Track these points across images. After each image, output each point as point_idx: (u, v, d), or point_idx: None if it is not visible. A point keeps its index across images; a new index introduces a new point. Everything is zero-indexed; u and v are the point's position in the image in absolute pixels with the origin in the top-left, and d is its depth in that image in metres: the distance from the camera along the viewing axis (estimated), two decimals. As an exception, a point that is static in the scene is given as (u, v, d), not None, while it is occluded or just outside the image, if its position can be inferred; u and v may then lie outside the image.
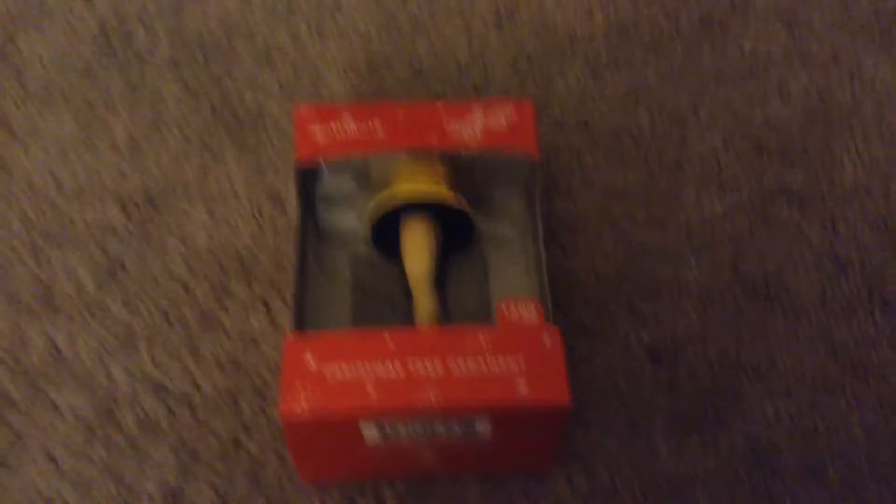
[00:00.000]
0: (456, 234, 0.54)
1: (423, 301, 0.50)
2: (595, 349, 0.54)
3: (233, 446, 0.50)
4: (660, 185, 0.61)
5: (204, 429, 0.51)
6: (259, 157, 0.61)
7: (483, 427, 0.44)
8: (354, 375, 0.42)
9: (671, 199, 0.61)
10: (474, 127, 0.51)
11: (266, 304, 0.55)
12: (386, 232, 0.53)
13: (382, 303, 0.53)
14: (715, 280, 0.57)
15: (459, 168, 0.53)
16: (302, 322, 0.49)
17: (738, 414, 0.53)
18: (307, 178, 0.53)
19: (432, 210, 0.52)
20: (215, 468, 0.50)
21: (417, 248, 0.51)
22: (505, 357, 0.43)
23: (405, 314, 0.52)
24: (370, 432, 0.44)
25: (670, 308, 0.56)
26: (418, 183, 0.52)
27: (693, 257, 0.58)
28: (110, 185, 0.60)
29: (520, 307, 0.45)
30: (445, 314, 0.52)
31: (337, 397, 0.42)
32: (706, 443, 0.52)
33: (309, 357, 0.43)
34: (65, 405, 0.52)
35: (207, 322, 0.54)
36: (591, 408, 0.52)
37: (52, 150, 0.61)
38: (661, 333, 0.55)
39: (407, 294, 0.53)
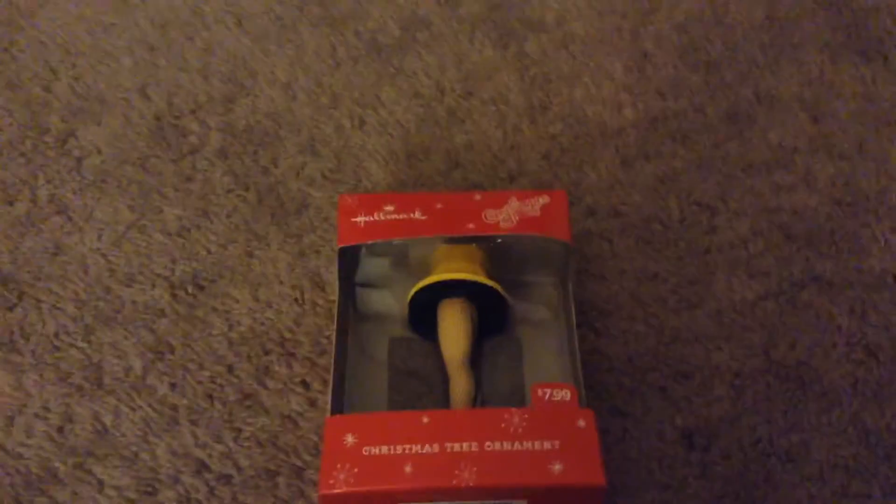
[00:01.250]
0: (491, 316, 0.55)
1: (460, 382, 0.51)
2: (628, 432, 0.55)
3: (271, 525, 0.51)
4: (690, 271, 0.63)
5: (243, 507, 0.52)
6: (301, 242, 0.64)
7: (518, 508, 0.44)
8: (392, 455, 0.43)
9: (702, 284, 0.62)
10: (510, 214, 0.53)
11: (305, 385, 0.57)
12: (423, 314, 0.55)
13: (419, 383, 0.55)
14: (747, 365, 0.58)
15: (495, 254, 0.55)
16: (340, 402, 0.50)
17: (771, 499, 0.53)
18: (348, 262, 0.55)
19: (469, 293, 0.54)
20: (253, 547, 0.51)
21: (454, 329, 0.53)
22: (540, 439, 0.44)
23: (441, 395, 0.54)
24: (407, 512, 0.44)
25: (703, 392, 0.57)
26: (455, 266, 0.54)
27: (724, 342, 0.59)
28: (160, 270, 0.63)
29: (554, 391, 0.46)
30: (481, 395, 0.53)
31: (375, 477, 0.43)
32: (742, 529, 0.52)
33: (349, 437, 0.44)
34: (108, 482, 0.53)
35: (249, 402, 0.56)
36: (624, 491, 0.53)
37: (107, 235, 0.65)
38: (695, 417, 0.56)
39: (443, 375, 0.54)
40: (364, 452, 0.44)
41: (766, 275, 0.63)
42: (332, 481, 0.43)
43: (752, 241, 0.65)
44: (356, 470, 0.43)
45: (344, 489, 0.43)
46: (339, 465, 0.43)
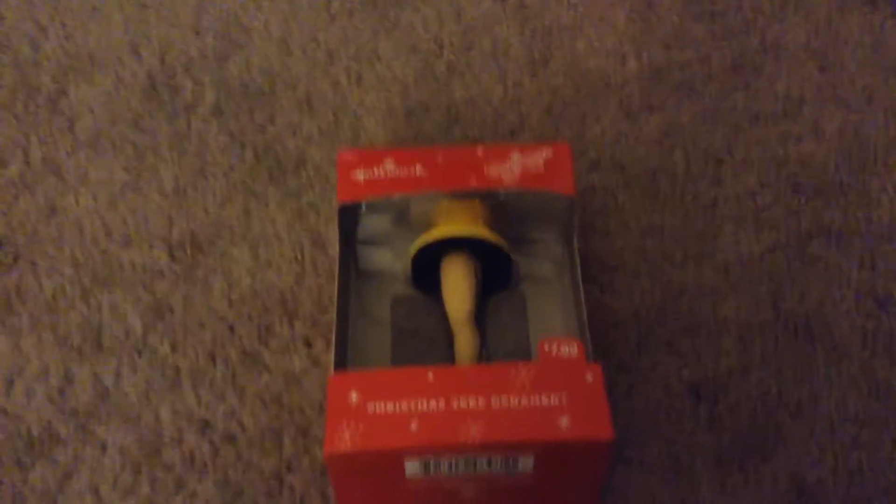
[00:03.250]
0: (495, 273, 0.55)
1: (464, 340, 0.50)
2: (635, 387, 0.55)
3: (276, 483, 0.51)
4: (696, 224, 0.62)
5: (248, 466, 0.52)
6: (300, 201, 0.63)
7: (526, 464, 0.44)
8: (398, 412, 0.43)
9: (708, 238, 0.61)
10: (512, 169, 0.52)
11: (308, 343, 0.56)
12: (426, 271, 0.54)
13: (422, 341, 0.54)
14: (755, 318, 0.57)
15: (498, 209, 0.54)
16: (343, 360, 0.50)
17: (781, 451, 0.52)
18: (348, 219, 0.54)
19: (472, 249, 0.53)
20: (259, 506, 0.50)
21: (458, 286, 0.52)
22: (547, 394, 0.43)
23: (445, 353, 0.53)
24: (413, 469, 0.44)
25: (710, 346, 0.56)
26: (458, 222, 0.53)
27: (732, 295, 0.58)
28: (157, 230, 0.62)
29: (561, 345, 0.45)
30: (485, 352, 0.53)
31: (381, 434, 0.42)
32: (749, 480, 0.51)
33: (353, 395, 0.43)
34: (112, 443, 0.53)
35: (251, 361, 0.55)
36: (632, 446, 0.52)
37: (102, 196, 0.64)
38: (702, 371, 0.55)
39: (447, 333, 0.53)
40: (369, 410, 0.43)
41: (774, 227, 0.62)
42: (337, 440, 0.42)
43: (759, 193, 0.64)
44: (362, 428, 0.42)
45: (350, 448, 0.42)
46: (344, 424, 0.43)
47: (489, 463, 0.44)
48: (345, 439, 0.42)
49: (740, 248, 0.61)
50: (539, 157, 0.53)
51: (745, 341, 0.57)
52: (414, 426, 0.42)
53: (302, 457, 0.52)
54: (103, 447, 0.52)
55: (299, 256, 0.60)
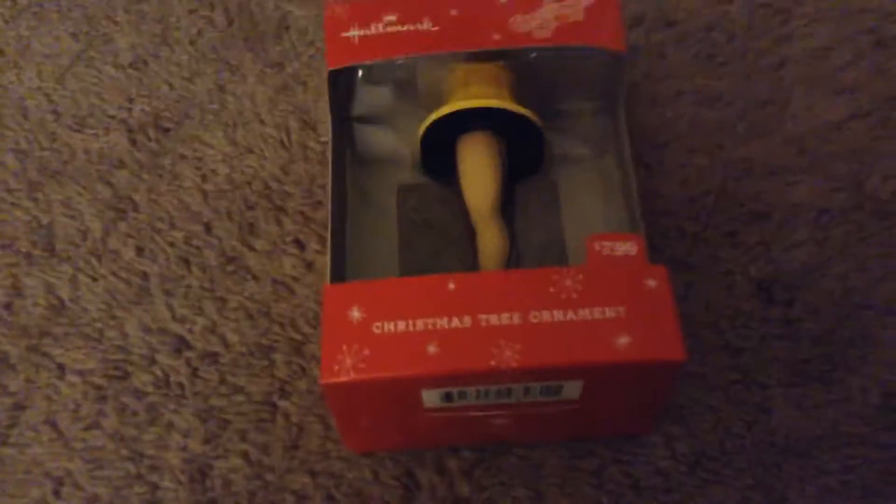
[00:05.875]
0: (523, 154, 0.45)
1: (490, 237, 0.41)
2: (693, 288, 0.46)
3: (268, 410, 0.43)
4: (762, 89, 0.51)
5: (233, 391, 0.43)
6: (283, 72, 0.52)
7: (573, 391, 0.35)
8: (412, 333, 0.34)
9: (776, 105, 0.51)
10: (546, 21, 0.42)
11: (299, 244, 0.47)
12: (439, 153, 0.44)
13: (436, 237, 0.45)
14: (834, 201, 0.48)
15: (527, 73, 0.44)
16: (342, 266, 0.41)
17: (869, 358, 0.44)
18: (342, 93, 0.44)
19: (496, 125, 0.43)
20: (248, 436, 0.42)
21: (480, 171, 0.42)
22: (600, 305, 0.34)
23: (465, 249, 0.44)
24: (432, 399, 0.35)
25: (782, 235, 0.47)
26: (477, 91, 0.42)
27: (806, 174, 0.49)
28: (115, 111, 0.51)
29: (616, 243, 0.36)
30: (515, 252, 0.43)
31: (392, 360, 0.34)
32: (832, 394, 0.43)
33: (355, 311, 0.34)
34: (70, 366, 0.44)
35: (233, 267, 0.46)
36: (690, 358, 0.44)
37: (48, 71, 0.53)
38: (773, 266, 0.46)
39: (466, 225, 0.44)
40: (375, 330, 0.34)
41: (854, 90, 0.51)
42: (336, 367, 0.33)
43: (835, 49, 0.53)
44: (366, 352, 0.34)
45: (353, 376, 0.33)
46: (344, 347, 0.34)
47: (526, 391, 0.35)
48: (346, 367, 0.34)
49: (814, 117, 0.50)
50: (579, 6, 0.42)
51: (822, 228, 0.47)
52: (432, 349, 0.34)
53: (297, 379, 0.44)
54: (60, 371, 0.44)
55: (285, 139, 0.50)
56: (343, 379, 0.33)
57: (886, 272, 0.46)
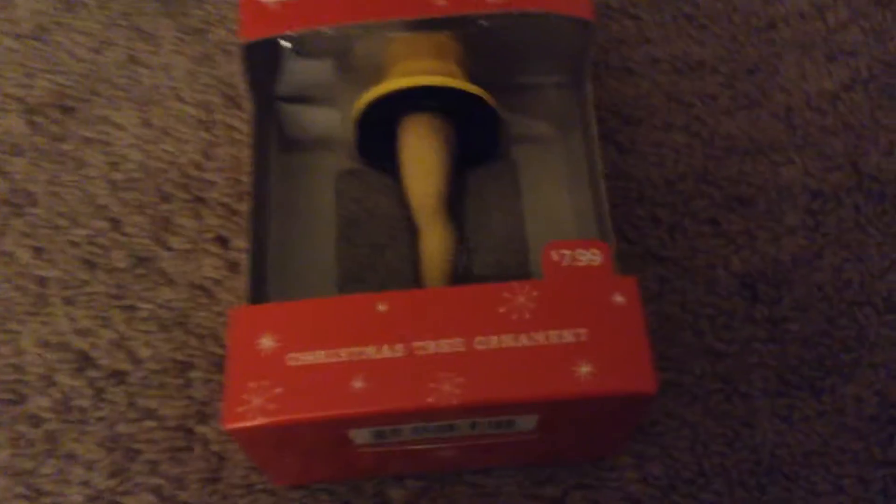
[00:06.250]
0: (475, 137, 0.39)
1: (433, 239, 0.35)
2: (669, 284, 0.40)
3: (183, 437, 0.37)
4: (748, 54, 0.46)
5: (144, 415, 0.38)
6: (205, 39, 0.46)
7: (527, 424, 0.30)
8: (334, 364, 0.28)
9: (764, 73, 0.45)
10: (497, -19, 0.35)
11: (222, 241, 0.41)
12: (379, 138, 0.38)
13: (380, 234, 0.39)
14: (828, 181, 0.43)
15: (478, 45, 0.38)
16: (262, 274, 0.35)
17: (864, 363, 0.39)
18: (263, 67, 0.37)
19: (442, 105, 0.37)
20: (160, 468, 0.37)
21: (422, 161, 0.36)
22: (558, 328, 0.29)
23: (411, 250, 0.38)
24: (363, 437, 0.30)
25: (769, 222, 0.42)
26: (420, 66, 0.36)
27: (797, 152, 0.43)
28: (10, 88, 0.45)
29: (577, 251, 0.30)
30: (465, 252, 0.38)
31: (310, 399, 0.28)
32: (822, 405, 0.38)
33: (266, 340, 0.29)
34: (-40, 389, 0.39)
35: (144, 269, 0.41)
36: (666, 365, 0.39)
37: (-66, 41, 0.46)
38: (759, 258, 0.41)
39: (410, 223, 0.38)
40: (290, 362, 0.28)
41: (852, 54, 0.46)
42: (241, 409, 0.28)
43: (830, 8, 0.47)
44: (278, 390, 0.28)
45: (261, 420, 0.28)
46: (252, 385, 0.28)
47: (473, 426, 0.30)
48: (253, 407, 0.28)
49: (807, 86, 0.45)
50: (536, -37, 0.36)
51: (815, 214, 0.42)
52: (358, 384, 0.28)
53: (217, 400, 0.38)
54: (-53, 395, 0.38)
55: (206, 119, 0.44)
56: (249, 423, 0.28)
57: (887, 263, 0.41)
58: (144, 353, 0.39)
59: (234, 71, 0.45)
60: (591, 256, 0.30)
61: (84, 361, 0.39)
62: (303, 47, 0.38)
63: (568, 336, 0.29)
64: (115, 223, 0.42)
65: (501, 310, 0.29)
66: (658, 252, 0.41)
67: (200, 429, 0.38)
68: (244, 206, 0.42)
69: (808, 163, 0.43)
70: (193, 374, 0.38)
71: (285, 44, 0.37)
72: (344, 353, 0.28)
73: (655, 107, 0.44)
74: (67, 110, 0.44)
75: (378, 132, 0.38)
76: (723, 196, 0.42)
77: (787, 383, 0.39)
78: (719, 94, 0.44)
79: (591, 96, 0.37)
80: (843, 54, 0.46)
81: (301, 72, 0.39)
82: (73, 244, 0.41)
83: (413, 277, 0.37)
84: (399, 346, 0.28)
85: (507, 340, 0.28)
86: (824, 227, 0.42)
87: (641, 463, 0.37)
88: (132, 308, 0.40)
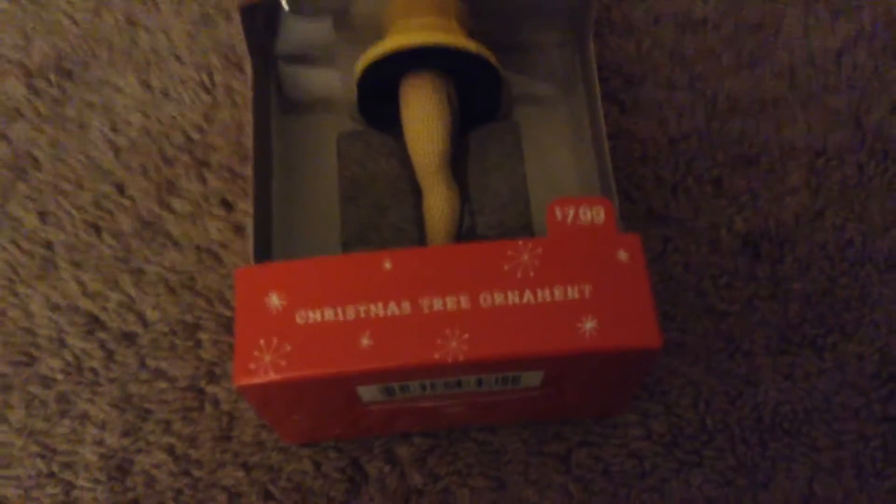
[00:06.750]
0: (477, 97, 0.39)
1: (437, 199, 0.35)
2: (671, 242, 0.40)
3: (194, 397, 0.38)
4: (750, 11, 0.45)
5: (154, 376, 0.38)
6: (203, 0, 0.46)
7: (533, 379, 0.31)
8: (342, 322, 0.29)
9: (767, 30, 0.45)
10: (499, -63, 0.35)
11: (226, 204, 0.41)
12: (380, 98, 0.38)
13: (383, 195, 0.39)
14: (831, 140, 0.43)
15: (479, 2, 0.37)
16: (266, 241, 0.35)
17: (865, 321, 0.39)
18: (262, 27, 0.37)
19: (444, 65, 0.37)
20: (172, 427, 0.37)
21: (426, 119, 0.36)
22: (562, 284, 0.29)
23: (413, 213, 0.38)
24: (370, 394, 0.31)
25: (772, 181, 0.42)
26: (422, 24, 0.36)
27: (800, 110, 0.43)
28: (8, 51, 0.45)
29: (581, 209, 0.30)
30: (467, 210, 0.38)
31: (318, 356, 0.28)
32: (824, 362, 0.39)
33: (274, 298, 0.29)
34: (-29, 352, 0.39)
35: (150, 232, 0.41)
36: (669, 324, 0.39)
37: (-67, 6, 0.46)
38: (762, 217, 0.41)
39: (413, 184, 0.38)
40: (298, 320, 0.29)
41: (857, 9, 0.45)
42: (252, 365, 0.28)
43: (834, -36, 0.47)
44: (288, 347, 0.28)
45: (272, 376, 0.28)
46: (261, 342, 0.29)
47: (479, 382, 0.30)
48: (263, 364, 0.28)
49: (810, 43, 0.45)
50: (538, -81, 0.35)
51: (818, 173, 0.42)
52: (366, 341, 0.29)
53: (227, 360, 0.39)
54: (-43, 358, 0.39)
55: (207, 81, 0.44)
56: (260, 380, 0.28)
57: (890, 221, 0.41)
58: (153, 315, 0.39)
59: (233, 32, 0.45)
60: (594, 214, 0.30)
61: (94, 324, 0.39)
62: (299, 7, 0.38)
63: (572, 292, 0.29)
64: (120, 187, 0.42)
65: (506, 267, 0.29)
66: (661, 212, 0.41)
67: (211, 389, 0.38)
68: (247, 169, 0.42)
69: (812, 121, 0.43)
70: (202, 336, 0.39)
71: (284, 4, 0.37)
72: (351, 311, 0.29)
73: (657, 65, 0.44)
74: (66, 73, 0.44)
75: (379, 93, 0.38)
76: (725, 155, 0.42)
77: (789, 341, 0.39)
78: (722, 52, 0.44)
79: (594, 54, 0.37)
80: (847, 9, 0.45)
81: (300, 32, 0.39)
82: (79, 208, 0.41)
83: (417, 238, 0.37)
84: (405, 304, 0.29)
85: (512, 297, 0.29)
86: (827, 186, 0.42)
87: (645, 420, 0.38)
88: (139, 271, 0.40)
